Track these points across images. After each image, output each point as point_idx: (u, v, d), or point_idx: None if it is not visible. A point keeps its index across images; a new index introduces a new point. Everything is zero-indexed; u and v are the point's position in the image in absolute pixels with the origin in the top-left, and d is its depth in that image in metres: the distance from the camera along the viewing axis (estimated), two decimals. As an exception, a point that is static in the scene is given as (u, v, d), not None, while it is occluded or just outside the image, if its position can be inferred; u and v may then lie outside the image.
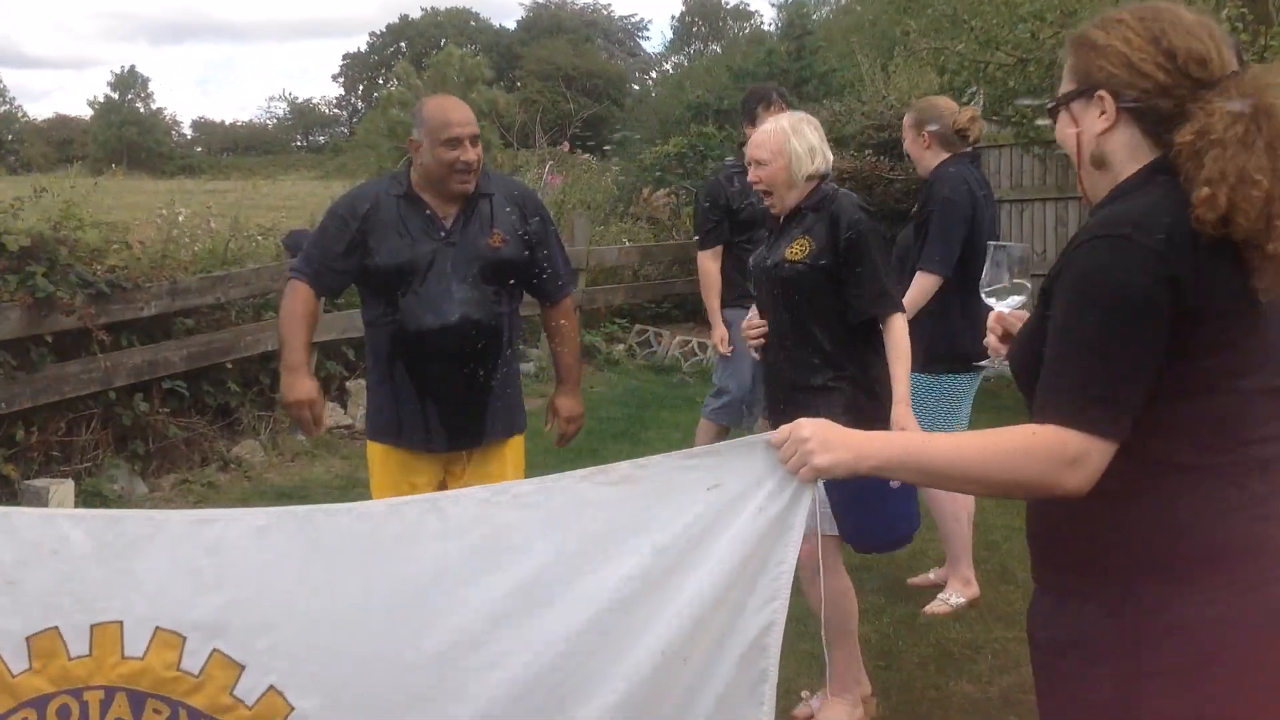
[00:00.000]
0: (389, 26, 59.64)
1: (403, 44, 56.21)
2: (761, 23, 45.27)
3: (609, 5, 56.09)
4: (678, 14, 57.09)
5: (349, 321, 8.91)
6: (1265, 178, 1.78)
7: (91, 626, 2.12)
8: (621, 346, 12.19)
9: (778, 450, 2.05)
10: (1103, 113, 1.94)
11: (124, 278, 6.93)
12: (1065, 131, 2.02)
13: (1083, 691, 1.90)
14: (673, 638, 2.13)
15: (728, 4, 53.69)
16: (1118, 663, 1.86)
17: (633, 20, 59.72)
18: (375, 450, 4.21)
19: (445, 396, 4.06)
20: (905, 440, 1.94)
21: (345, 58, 66.45)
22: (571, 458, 7.97)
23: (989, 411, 6.04)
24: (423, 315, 3.97)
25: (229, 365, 7.80)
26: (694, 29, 53.42)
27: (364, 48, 63.55)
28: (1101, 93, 1.93)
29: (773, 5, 46.88)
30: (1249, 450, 1.86)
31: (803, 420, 2.02)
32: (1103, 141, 1.96)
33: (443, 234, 4.01)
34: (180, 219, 9.83)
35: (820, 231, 3.92)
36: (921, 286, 4.91)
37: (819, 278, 3.91)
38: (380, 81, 53.58)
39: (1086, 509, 1.85)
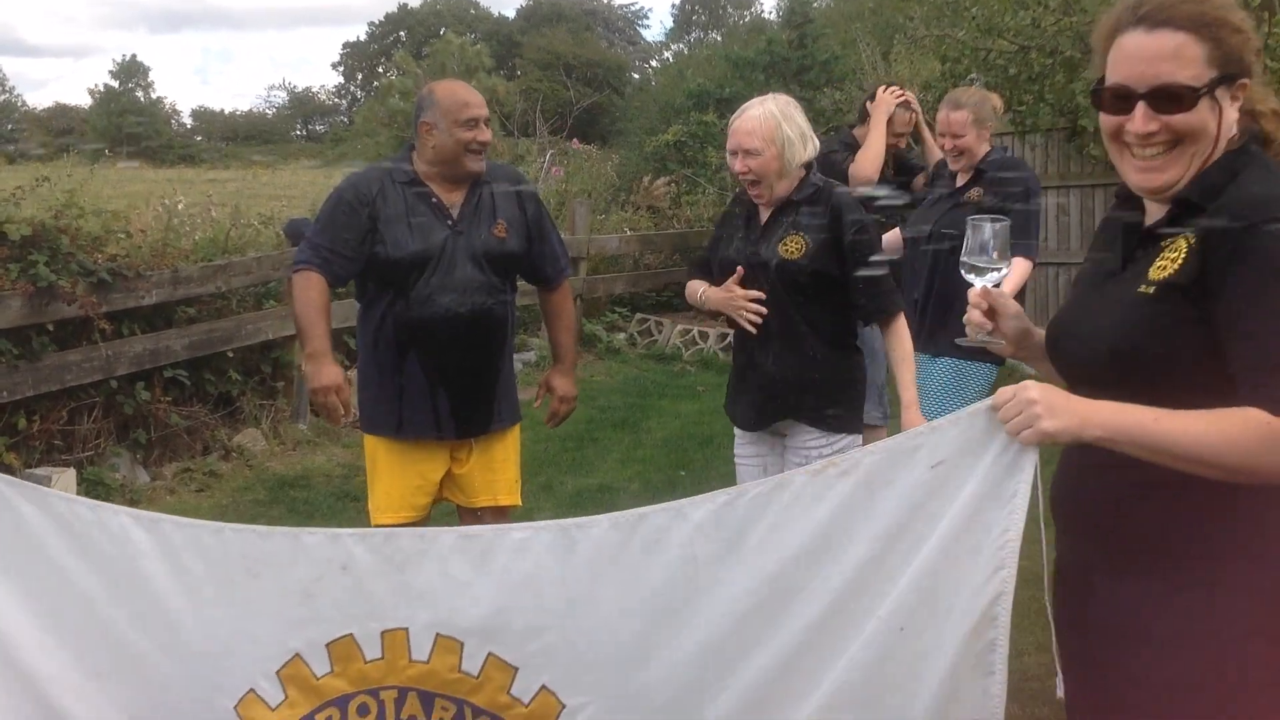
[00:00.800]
0: (388, 15, 59.60)
1: (402, 33, 56.14)
2: (762, 10, 45.21)
3: (609, -7, 56.01)
4: (678, 2, 57.00)
5: (350, 311, 8.90)
6: None
7: (381, 633, 2.36)
8: (622, 335, 12.19)
9: (998, 413, 2.02)
10: (1236, 101, 1.89)
11: (125, 266, 6.93)
12: (1207, 119, 1.90)
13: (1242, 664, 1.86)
14: (907, 614, 2.19)
15: (728, -8, 53.56)
16: (1220, 636, 1.85)
17: (632, 9, 59.60)
18: (375, 443, 4.21)
19: (456, 385, 4.09)
20: (1136, 413, 1.87)
21: (345, 46, 66.47)
22: (573, 446, 8.03)
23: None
24: (436, 304, 4.01)
25: (230, 354, 7.80)
26: (694, 17, 53.33)
27: (364, 36, 63.50)
28: (1246, 81, 1.88)
29: (772, -7, 46.86)
30: None
31: (1029, 382, 1.97)
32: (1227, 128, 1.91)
33: (450, 222, 4.05)
34: (180, 207, 9.83)
35: (816, 228, 3.80)
36: (1023, 273, 4.90)
37: (818, 278, 3.83)
38: (380, 70, 53.52)
39: (1201, 498, 1.85)
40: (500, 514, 4.27)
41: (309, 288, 4.02)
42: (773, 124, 3.80)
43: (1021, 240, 4.64)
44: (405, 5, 58.34)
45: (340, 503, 6.80)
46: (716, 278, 4.05)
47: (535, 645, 2.36)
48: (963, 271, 2.31)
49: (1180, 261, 1.86)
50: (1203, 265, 1.83)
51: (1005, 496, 2.09)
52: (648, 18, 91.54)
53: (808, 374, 3.88)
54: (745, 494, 2.37)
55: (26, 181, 7.17)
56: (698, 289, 4.14)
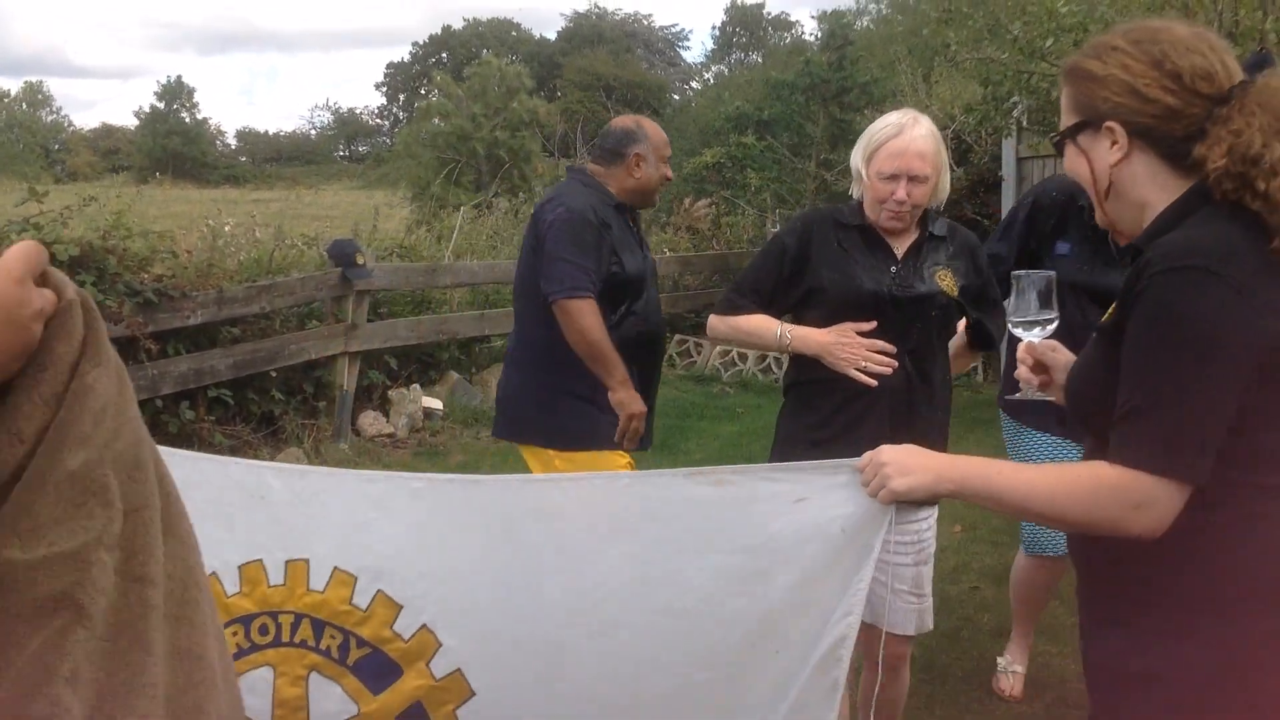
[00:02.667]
0: (431, 36, 60.04)
1: (444, 54, 56.56)
2: (802, 33, 45.25)
3: (649, 15, 56.29)
4: (718, 24, 57.14)
5: (390, 331, 8.98)
6: None
7: (286, 562, 2.52)
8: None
9: (860, 475, 2.13)
10: (1114, 143, 1.89)
11: (171, 286, 7.02)
12: (1075, 163, 1.97)
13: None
14: (760, 633, 2.34)
15: (769, 14, 53.70)
16: (1227, 694, 1.79)
17: (673, 30, 59.77)
18: (584, 459, 4.12)
19: (649, 399, 4.27)
20: (984, 467, 1.94)
21: (389, 67, 67.01)
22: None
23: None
24: (651, 320, 4.28)
25: (273, 374, 7.87)
26: (734, 39, 53.41)
27: (406, 57, 64.02)
28: (1110, 124, 1.88)
29: (813, 17, 46.86)
30: None
31: (884, 446, 2.06)
32: (1118, 172, 1.90)
33: (641, 244, 4.32)
34: (226, 229, 9.94)
35: (960, 262, 3.43)
36: None
37: (959, 311, 3.52)
38: (422, 91, 53.94)
39: (1182, 547, 1.79)
40: None
41: (594, 318, 4.01)
42: (936, 147, 3.31)
43: None
44: (448, 27, 58.80)
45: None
46: (813, 314, 3.37)
47: (420, 587, 2.50)
48: (1010, 327, 2.34)
49: (1115, 306, 1.88)
50: (1124, 309, 1.83)
51: (863, 550, 2.25)
52: (688, 39, 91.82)
53: (930, 405, 3.49)
54: (619, 479, 2.67)
55: (74, 202, 7.27)
56: (759, 324, 3.42)
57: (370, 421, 8.69)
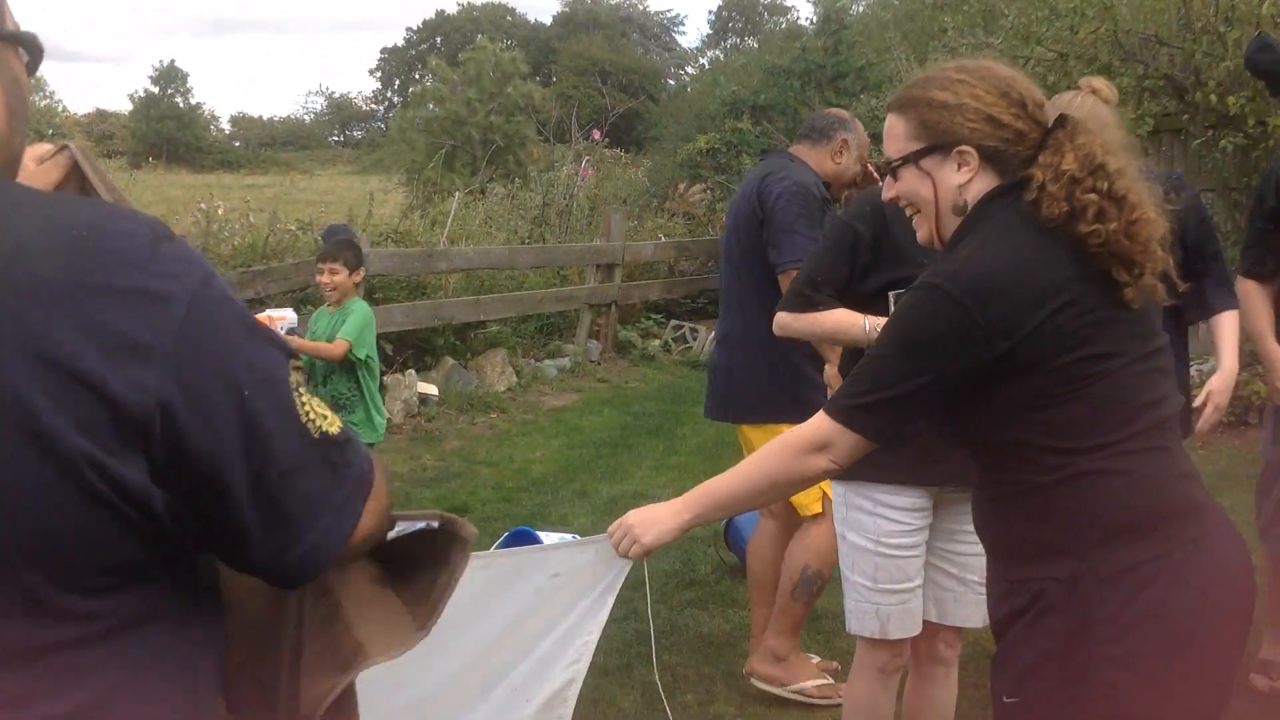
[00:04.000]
0: (426, 21, 59.83)
1: (439, 39, 56.39)
2: (798, 18, 45.16)
3: (645, 1, 56.04)
4: (714, 8, 56.97)
5: (386, 317, 8.97)
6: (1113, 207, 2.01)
7: None
8: (657, 342, 12.21)
9: (609, 539, 2.37)
10: (963, 166, 2.10)
11: (165, 272, 6.98)
12: (916, 185, 2.16)
13: (1034, 638, 2.04)
14: (521, 680, 2.51)
15: (764, -1, 53.54)
16: (1068, 616, 2.01)
17: (669, 15, 59.66)
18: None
19: None
20: (704, 486, 2.26)
21: (383, 52, 66.71)
22: (607, 453, 8.04)
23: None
24: None
25: (268, 359, 7.85)
26: (730, 24, 53.28)
27: (401, 42, 63.81)
28: (964, 147, 2.09)
29: (809, 1, 46.74)
30: (1150, 414, 2.04)
31: (631, 512, 2.35)
32: (963, 191, 2.11)
33: None
34: (220, 213, 9.91)
35: None
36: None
37: None
38: (416, 76, 53.79)
39: (1034, 506, 2.04)
40: None
41: None
42: None
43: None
44: (443, 12, 58.62)
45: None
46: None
47: None
48: None
49: None
50: None
51: (596, 607, 2.48)
52: (684, 24, 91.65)
53: None
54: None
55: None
56: (842, 318, 3.21)
57: (365, 406, 8.67)
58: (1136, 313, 2.05)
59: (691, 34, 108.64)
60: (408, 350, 9.59)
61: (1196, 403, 3.65)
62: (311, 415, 1.19)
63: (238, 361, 1.14)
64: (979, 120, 2.08)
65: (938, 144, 2.12)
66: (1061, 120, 2.10)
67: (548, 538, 5.41)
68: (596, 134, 17.17)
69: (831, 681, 4.36)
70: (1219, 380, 3.74)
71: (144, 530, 1.13)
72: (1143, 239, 2.01)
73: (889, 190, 2.23)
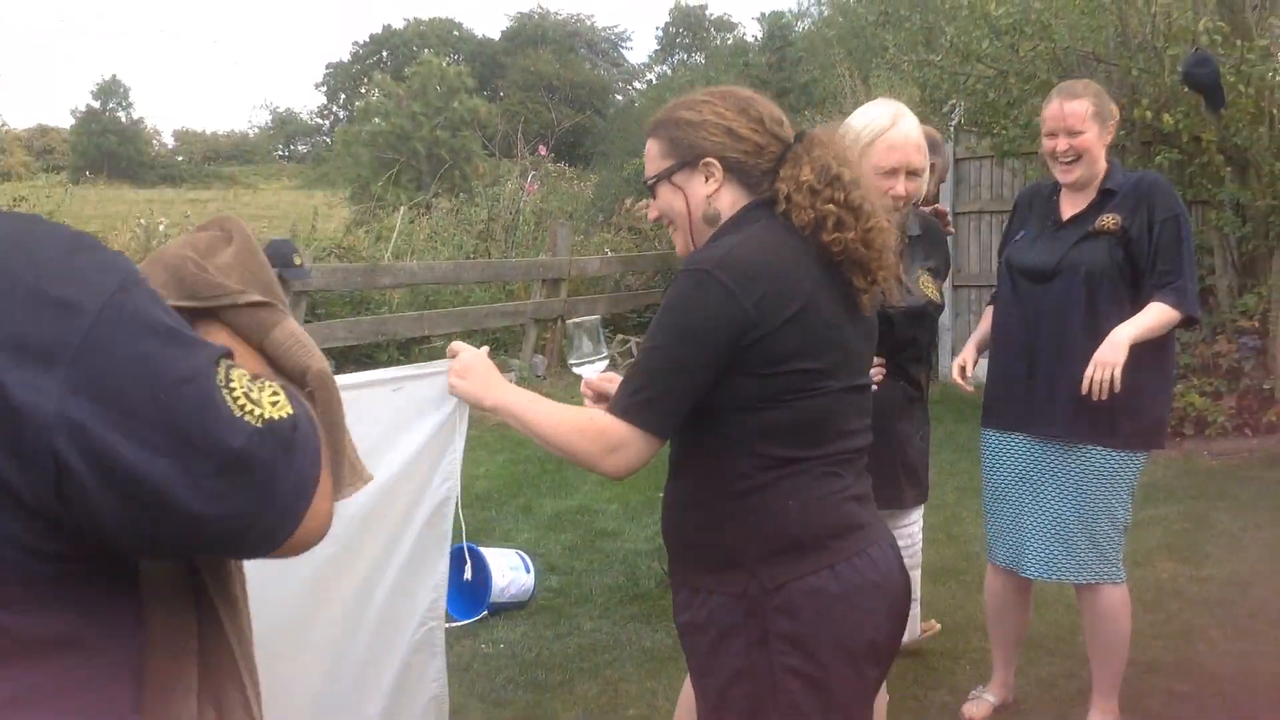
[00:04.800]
0: (372, 36, 59.58)
1: (385, 53, 56.18)
2: (744, 34, 45.40)
3: (592, 16, 56.14)
4: (662, 25, 57.19)
5: (328, 332, 8.92)
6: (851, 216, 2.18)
7: None
8: (603, 357, 12.19)
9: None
10: (709, 177, 2.26)
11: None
12: (671, 200, 2.30)
13: (723, 660, 2.19)
14: (373, 503, 2.55)
15: (711, 15, 53.83)
16: (748, 633, 2.16)
17: (616, 30, 59.74)
18: None
19: None
20: (525, 398, 2.32)
21: (328, 66, 66.35)
22: (552, 468, 7.99)
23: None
24: None
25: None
26: (678, 39, 53.49)
27: (347, 57, 63.49)
28: (709, 159, 2.24)
29: (754, 19, 46.91)
30: (841, 443, 2.21)
31: (469, 350, 2.46)
32: (713, 201, 2.26)
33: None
34: (161, 229, 9.81)
35: (938, 261, 3.38)
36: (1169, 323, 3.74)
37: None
38: (362, 91, 53.54)
39: (714, 512, 2.17)
40: None
41: None
42: (923, 139, 3.18)
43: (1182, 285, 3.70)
44: (389, 26, 58.41)
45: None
46: None
47: None
48: (573, 368, 2.68)
49: None
50: None
51: (452, 428, 2.64)
52: (631, 39, 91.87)
53: (911, 400, 3.42)
54: None
55: (4, 202, 7.14)
56: None
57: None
58: (860, 339, 2.25)
59: (639, 49, 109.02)
60: (350, 366, 9.52)
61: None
62: (247, 406, 1.17)
63: (150, 367, 1.12)
64: (720, 134, 2.24)
65: (685, 159, 2.26)
66: (800, 136, 2.28)
67: (491, 554, 5.40)
68: (543, 150, 17.18)
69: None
70: (1105, 340, 3.59)
71: (44, 547, 1.11)
72: (878, 246, 2.19)
73: (651, 211, 2.39)
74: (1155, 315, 3.63)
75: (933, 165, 4.33)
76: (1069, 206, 3.85)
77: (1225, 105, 7.83)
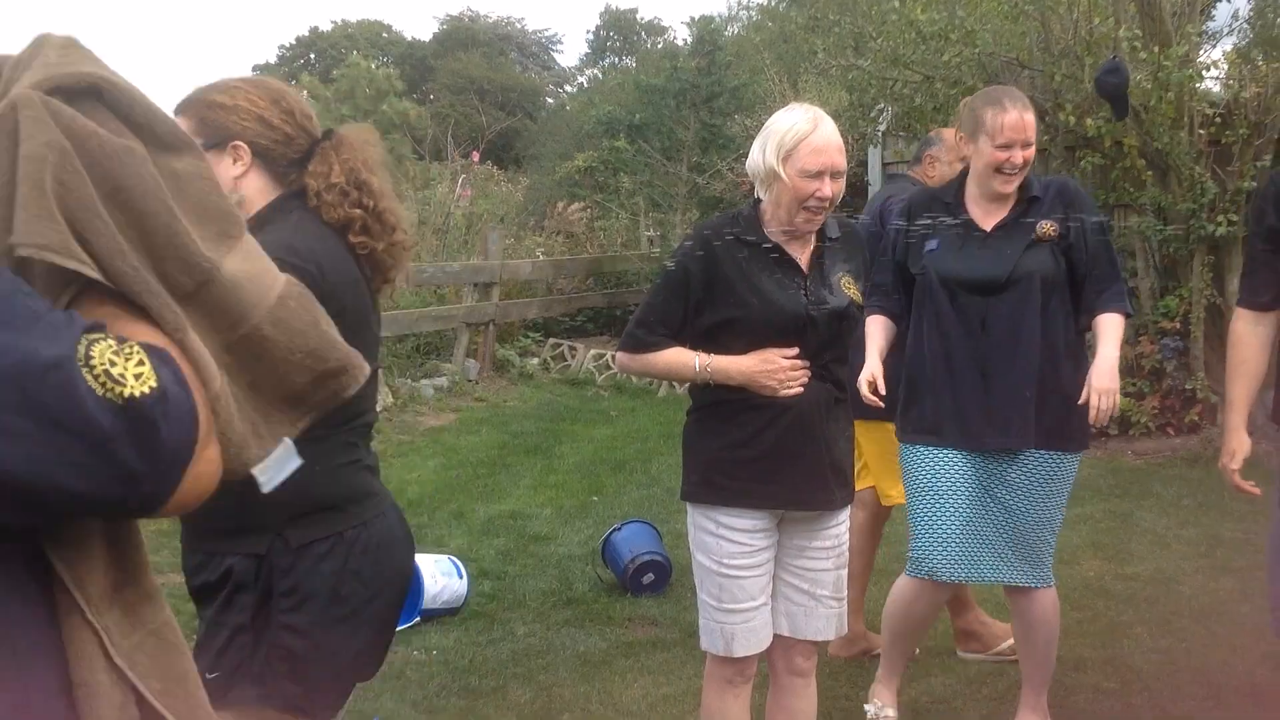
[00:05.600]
0: (299, 38, 58.92)
1: (312, 55, 55.60)
2: (675, 38, 45.55)
3: (523, 19, 56.02)
4: (592, 28, 57.07)
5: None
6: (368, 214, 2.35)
7: None
8: (535, 361, 12.16)
9: None
10: (237, 160, 2.35)
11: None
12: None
13: (230, 616, 2.34)
14: None
15: (642, 19, 53.86)
16: (254, 593, 2.33)
17: (547, 34, 59.58)
18: None
19: None
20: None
21: (255, 69, 65.54)
22: (485, 473, 7.97)
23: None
24: None
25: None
26: (608, 43, 53.48)
27: (274, 59, 62.78)
28: (238, 143, 2.34)
29: (684, 23, 47.09)
30: (361, 419, 2.43)
31: None
32: (240, 185, 2.36)
33: None
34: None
35: (857, 264, 3.34)
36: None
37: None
38: (290, 93, 52.80)
39: (233, 486, 2.21)
40: None
41: None
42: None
43: (1117, 289, 3.82)
44: (316, 28, 57.83)
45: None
46: (731, 340, 3.17)
47: None
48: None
49: None
50: None
51: None
52: (562, 43, 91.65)
53: (839, 403, 3.34)
54: None
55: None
56: (674, 358, 3.23)
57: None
58: (377, 328, 2.48)
59: (570, 53, 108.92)
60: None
61: (1081, 400, 3.64)
62: (108, 384, 1.17)
63: (11, 358, 1.13)
64: (251, 120, 2.34)
65: (214, 140, 2.33)
66: (329, 133, 2.42)
67: (423, 560, 5.36)
68: (475, 156, 17.10)
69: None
70: (1094, 369, 3.70)
71: None
72: (397, 253, 2.38)
73: None
74: (1118, 327, 3.72)
75: (933, 157, 4.85)
76: (985, 214, 3.84)
77: (1129, 114, 7.97)
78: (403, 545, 2.53)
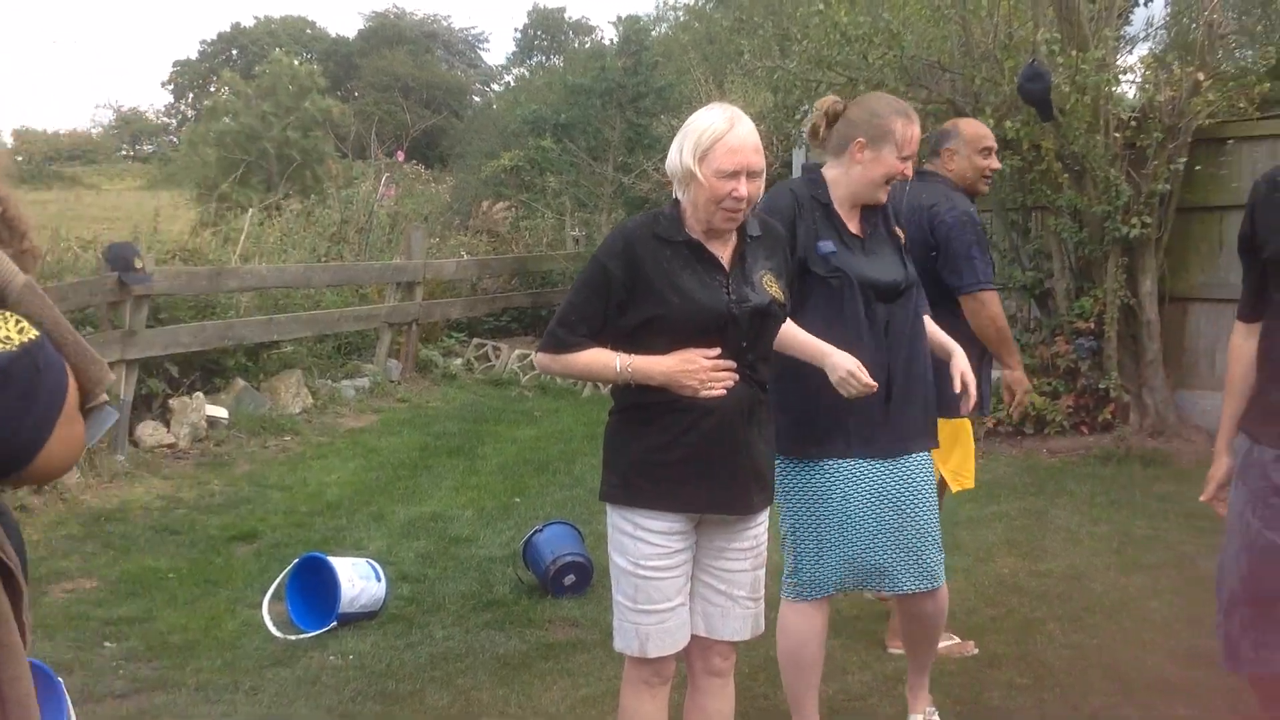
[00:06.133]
0: (220, 34, 58.07)
1: (234, 51, 54.84)
2: (602, 37, 45.51)
3: (449, 16, 55.65)
4: (520, 26, 56.85)
5: (171, 337, 8.65)
6: None
7: None
8: (459, 361, 12.08)
9: None
10: None
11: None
12: None
13: None
14: None
15: (570, 18, 53.76)
16: None
17: (473, 32, 59.31)
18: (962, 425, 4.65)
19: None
20: None
21: (175, 65, 64.42)
22: (405, 474, 7.89)
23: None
24: None
25: (43, 383, 7.46)
26: (536, 42, 53.31)
27: (195, 55, 61.78)
28: None
29: (610, 23, 47.03)
30: None
31: None
32: None
33: None
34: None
35: (778, 262, 3.29)
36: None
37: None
38: (212, 90, 52.19)
39: None
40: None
41: (1000, 302, 4.66)
42: (757, 134, 3.16)
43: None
44: (238, 24, 57.04)
45: (159, 536, 6.54)
46: (653, 340, 3.13)
47: None
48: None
49: None
50: None
51: None
52: (489, 41, 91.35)
53: (764, 405, 3.30)
54: None
55: None
56: (593, 359, 3.17)
57: (150, 432, 8.32)
58: None
59: (497, 51, 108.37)
60: (195, 372, 9.24)
61: (956, 388, 3.72)
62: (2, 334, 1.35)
63: None
64: None
65: None
66: None
67: (340, 563, 5.29)
68: (400, 155, 16.96)
69: (958, 641, 4.83)
70: (956, 362, 3.77)
71: None
72: (26, 261, 2.24)
73: None
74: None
75: (951, 150, 4.87)
76: (852, 220, 3.78)
77: (1054, 118, 8.10)
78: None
